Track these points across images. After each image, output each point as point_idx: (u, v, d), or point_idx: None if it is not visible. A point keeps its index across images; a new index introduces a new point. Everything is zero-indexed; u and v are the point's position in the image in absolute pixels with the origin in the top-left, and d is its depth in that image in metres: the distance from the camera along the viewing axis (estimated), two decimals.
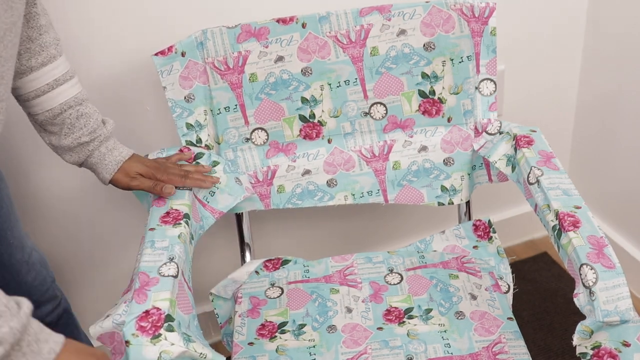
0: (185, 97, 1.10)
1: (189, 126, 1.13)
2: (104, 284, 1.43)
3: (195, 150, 1.13)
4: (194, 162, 1.12)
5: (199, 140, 1.14)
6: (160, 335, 0.78)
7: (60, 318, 1.16)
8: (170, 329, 0.79)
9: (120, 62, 1.19)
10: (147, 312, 0.81)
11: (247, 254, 1.24)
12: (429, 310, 1.07)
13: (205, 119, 1.13)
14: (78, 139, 0.98)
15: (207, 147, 1.15)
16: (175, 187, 1.03)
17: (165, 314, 0.81)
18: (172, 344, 0.78)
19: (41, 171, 1.25)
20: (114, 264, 1.40)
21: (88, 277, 1.41)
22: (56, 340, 0.71)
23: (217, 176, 1.11)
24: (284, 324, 1.08)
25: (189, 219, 1.00)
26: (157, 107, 1.26)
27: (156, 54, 1.06)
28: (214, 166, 1.12)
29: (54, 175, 1.25)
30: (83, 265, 1.38)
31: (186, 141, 1.14)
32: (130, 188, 1.02)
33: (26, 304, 0.70)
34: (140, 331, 0.78)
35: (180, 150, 1.12)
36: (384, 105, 1.15)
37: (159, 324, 0.79)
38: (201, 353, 0.80)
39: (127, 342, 0.78)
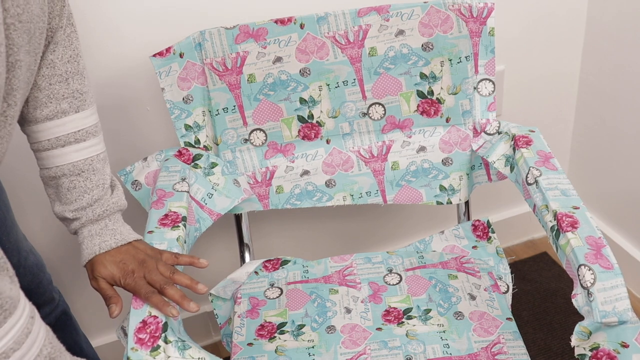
0: (183, 99, 1.10)
1: (187, 127, 1.13)
2: None
3: (193, 151, 1.13)
4: (192, 164, 1.11)
5: (198, 141, 1.14)
6: (158, 347, 0.79)
7: (58, 320, 1.16)
8: (167, 340, 0.79)
9: (120, 63, 1.19)
10: (144, 322, 0.81)
11: (247, 255, 1.24)
12: (428, 311, 1.07)
13: (204, 120, 1.13)
14: (62, 212, 0.88)
15: (206, 148, 1.15)
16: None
17: (163, 322, 0.81)
18: (169, 357, 0.78)
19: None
20: None
21: (86, 278, 1.41)
22: None
23: (215, 178, 1.11)
24: (283, 324, 1.08)
25: (186, 221, 1.00)
26: (157, 108, 1.26)
27: (154, 55, 1.06)
28: (212, 167, 1.12)
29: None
30: (81, 267, 1.38)
31: (185, 142, 1.14)
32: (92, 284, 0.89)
33: None
34: (139, 344, 0.79)
35: (179, 152, 1.12)
36: (383, 106, 1.15)
37: (157, 334, 0.79)
38: (199, 358, 0.80)
39: (128, 358, 0.78)
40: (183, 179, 1.07)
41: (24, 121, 0.86)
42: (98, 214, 0.88)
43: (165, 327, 0.81)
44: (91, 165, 0.88)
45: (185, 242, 0.98)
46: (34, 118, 0.84)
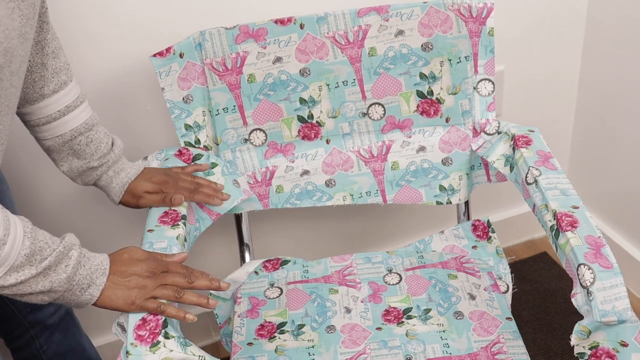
0: (183, 98, 1.11)
1: (187, 127, 1.13)
2: None
3: (193, 151, 1.13)
4: (192, 163, 1.12)
5: (198, 141, 1.14)
6: (158, 342, 0.79)
7: (62, 320, 1.16)
8: (167, 336, 0.79)
9: (120, 63, 1.20)
10: (144, 319, 0.81)
11: (247, 255, 1.24)
12: (427, 311, 1.08)
13: (204, 119, 1.13)
14: (87, 163, 0.99)
15: (206, 147, 1.15)
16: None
17: (162, 319, 0.81)
18: (171, 351, 0.78)
19: (43, 173, 1.25)
20: None
21: None
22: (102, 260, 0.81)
23: (215, 178, 1.11)
24: (283, 324, 1.08)
25: (186, 220, 1.01)
26: (157, 108, 1.26)
27: (154, 55, 1.07)
28: (212, 168, 1.12)
29: (55, 178, 1.26)
30: None
31: (185, 142, 1.14)
32: (139, 207, 1.03)
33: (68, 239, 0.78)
34: (138, 340, 0.79)
35: (179, 152, 1.12)
36: (382, 106, 1.15)
37: (157, 331, 0.80)
38: (200, 356, 0.80)
39: (127, 352, 0.78)
40: None
41: (28, 101, 0.92)
42: (117, 155, 1.02)
43: (165, 323, 0.81)
44: (95, 120, 0.99)
45: (185, 241, 0.99)
46: (41, 95, 0.92)
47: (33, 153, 1.22)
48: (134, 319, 0.81)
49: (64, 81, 0.94)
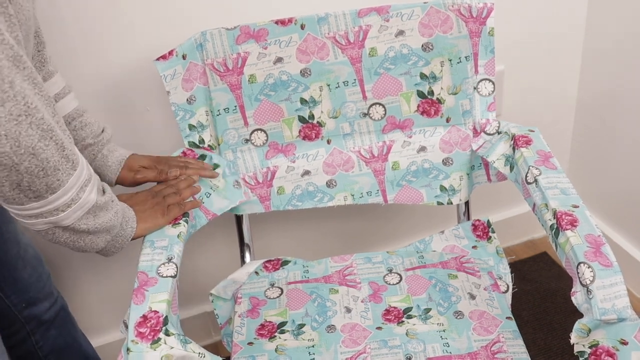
0: (187, 100, 1.11)
1: (191, 127, 1.13)
2: (100, 282, 1.43)
3: (197, 152, 1.13)
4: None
5: (202, 141, 1.15)
6: (159, 339, 0.79)
7: (57, 315, 1.16)
8: (167, 333, 0.80)
9: (120, 64, 1.20)
10: (144, 316, 0.81)
11: (247, 255, 1.24)
12: (428, 310, 1.08)
13: (207, 119, 1.14)
14: (82, 141, 1.02)
15: (210, 147, 1.15)
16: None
17: (163, 316, 0.81)
18: (172, 348, 0.79)
19: None
20: (109, 262, 1.41)
21: (84, 275, 1.41)
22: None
23: (215, 179, 1.11)
24: (283, 324, 1.08)
25: (188, 217, 1.01)
26: (157, 109, 1.27)
27: (158, 59, 1.06)
28: (215, 169, 1.12)
29: None
30: (79, 263, 1.39)
31: (189, 142, 1.14)
32: (136, 182, 1.05)
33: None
34: (139, 337, 0.79)
35: (183, 153, 1.13)
36: (383, 106, 1.15)
37: (157, 328, 0.80)
38: (200, 353, 0.80)
39: (128, 349, 0.78)
40: None
41: None
42: (110, 135, 1.07)
43: (165, 321, 0.81)
44: (83, 108, 1.04)
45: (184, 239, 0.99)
46: None
47: None
48: (135, 316, 0.81)
49: (51, 71, 0.99)
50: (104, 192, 0.87)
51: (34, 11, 0.93)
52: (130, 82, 1.22)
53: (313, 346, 1.03)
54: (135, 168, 1.05)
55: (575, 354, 0.82)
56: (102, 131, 1.05)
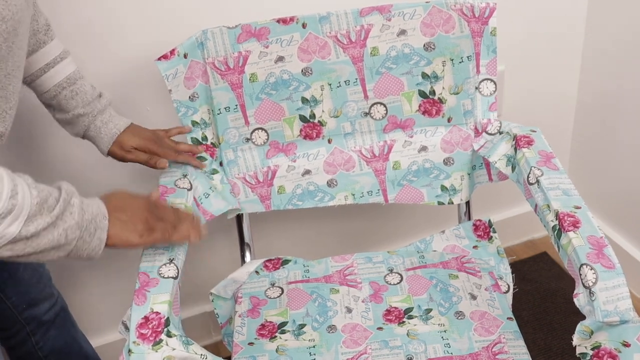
0: (189, 97, 1.11)
1: (194, 124, 1.13)
2: (100, 282, 1.43)
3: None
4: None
5: (205, 138, 1.14)
6: (161, 341, 0.79)
7: (57, 316, 1.16)
8: (169, 334, 0.79)
9: (120, 63, 1.20)
10: (146, 317, 0.81)
11: (247, 254, 1.24)
12: (428, 310, 1.08)
13: (210, 117, 1.14)
14: (74, 110, 1.02)
15: (213, 145, 1.15)
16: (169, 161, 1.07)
17: (165, 317, 0.81)
18: (174, 349, 0.78)
19: (40, 169, 1.25)
20: (109, 263, 1.40)
21: (84, 275, 1.41)
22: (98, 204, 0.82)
23: (214, 183, 1.12)
24: (284, 324, 1.08)
25: None
26: (157, 108, 1.26)
27: (159, 59, 1.06)
28: (213, 174, 1.13)
29: (53, 174, 1.25)
30: (79, 264, 1.38)
31: (192, 138, 1.14)
32: (126, 160, 1.06)
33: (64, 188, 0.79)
34: (141, 339, 0.79)
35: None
36: (384, 105, 1.15)
37: (159, 329, 0.79)
38: (202, 354, 0.80)
39: (129, 351, 0.78)
40: (184, 175, 1.07)
41: None
42: (104, 105, 1.04)
43: (167, 322, 0.80)
44: (79, 74, 1.03)
45: None
46: None
47: (29, 150, 1.22)
48: (136, 317, 0.81)
49: (42, 41, 0.98)
50: (53, 208, 0.77)
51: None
52: (130, 81, 1.22)
53: (314, 346, 1.03)
54: (127, 148, 1.05)
55: (578, 355, 0.82)
56: (98, 98, 1.04)
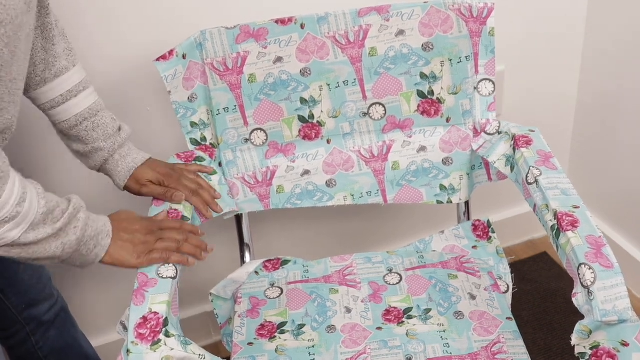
0: (188, 98, 1.11)
1: (193, 124, 1.13)
2: (100, 283, 1.43)
3: (197, 153, 1.14)
4: (193, 162, 1.12)
5: (204, 139, 1.15)
6: (159, 341, 0.79)
7: (57, 317, 1.16)
8: (168, 334, 0.79)
9: (120, 64, 1.20)
10: (144, 317, 0.81)
11: (247, 255, 1.24)
12: (428, 310, 1.08)
13: (209, 117, 1.14)
14: (94, 142, 1.00)
15: (212, 145, 1.15)
16: None
17: (163, 317, 0.81)
18: (172, 349, 0.78)
19: (43, 172, 1.25)
20: None
21: (84, 275, 1.41)
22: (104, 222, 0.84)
23: (212, 184, 1.12)
24: (283, 324, 1.08)
25: (189, 220, 1.01)
26: (157, 108, 1.26)
27: (158, 59, 1.06)
28: (211, 175, 1.13)
29: (54, 177, 1.26)
30: (79, 269, 1.38)
31: (191, 139, 1.14)
32: (142, 194, 1.03)
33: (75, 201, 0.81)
34: (139, 339, 0.79)
35: (178, 156, 1.13)
36: (383, 106, 1.15)
37: (157, 329, 0.80)
38: (200, 354, 0.80)
39: (128, 351, 0.78)
40: None
41: (32, 86, 0.94)
42: (124, 138, 1.03)
43: (165, 322, 0.81)
44: (101, 105, 1.01)
45: None
46: (42, 80, 0.94)
47: (34, 155, 1.22)
48: (135, 317, 0.81)
49: (65, 67, 0.96)
50: (58, 220, 0.78)
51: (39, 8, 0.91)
52: (129, 82, 1.22)
53: (313, 346, 1.03)
54: (142, 182, 1.02)
55: (576, 355, 0.82)
56: (118, 132, 1.02)
